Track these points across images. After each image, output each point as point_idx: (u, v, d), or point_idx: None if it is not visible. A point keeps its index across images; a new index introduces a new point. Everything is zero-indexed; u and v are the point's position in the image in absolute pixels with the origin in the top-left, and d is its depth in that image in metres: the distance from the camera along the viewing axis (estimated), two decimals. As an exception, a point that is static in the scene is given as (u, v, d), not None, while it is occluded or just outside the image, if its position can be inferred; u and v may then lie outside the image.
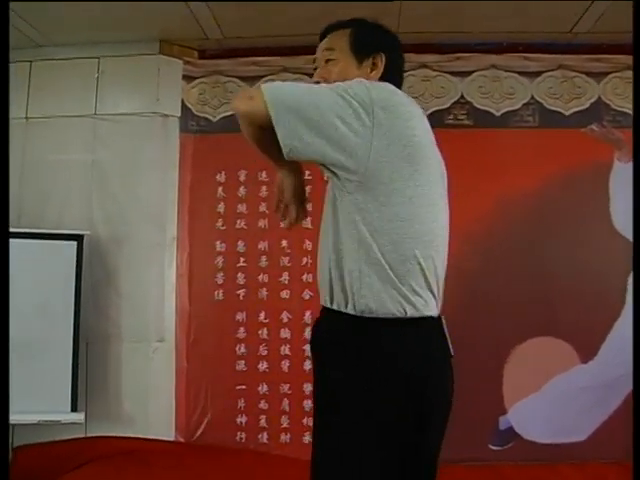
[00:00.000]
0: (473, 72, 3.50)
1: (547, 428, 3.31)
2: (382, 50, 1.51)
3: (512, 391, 3.33)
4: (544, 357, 3.35)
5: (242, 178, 3.48)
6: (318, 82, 1.50)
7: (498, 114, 3.50)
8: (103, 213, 3.39)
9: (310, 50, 3.50)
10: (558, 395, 3.31)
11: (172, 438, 3.30)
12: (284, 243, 3.40)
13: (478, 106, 3.49)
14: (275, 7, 3.03)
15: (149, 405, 3.30)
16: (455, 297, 3.20)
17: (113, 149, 3.45)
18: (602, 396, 3.35)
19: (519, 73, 3.50)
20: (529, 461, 3.21)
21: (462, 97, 3.49)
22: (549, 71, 3.53)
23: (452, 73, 3.49)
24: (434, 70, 3.48)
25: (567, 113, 3.53)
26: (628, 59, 3.51)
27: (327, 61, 1.53)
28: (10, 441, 3.01)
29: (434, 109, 3.46)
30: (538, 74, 3.52)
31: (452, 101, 3.49)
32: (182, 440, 3.30)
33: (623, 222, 3.49)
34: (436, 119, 3.39)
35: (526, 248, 3.41)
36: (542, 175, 3.43)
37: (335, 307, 1.40)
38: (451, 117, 3.48)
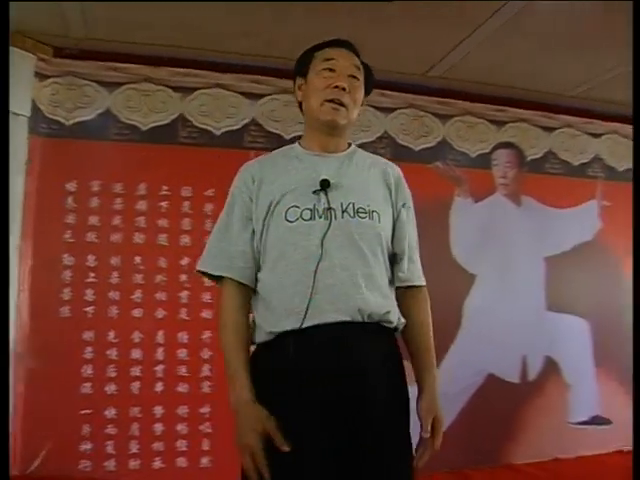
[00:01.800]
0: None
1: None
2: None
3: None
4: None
5: (95, 189, 3.47)
6: (344, 89, 1.63)
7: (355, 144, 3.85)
8: None
9: (177, 62, 3.65)
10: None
11: (4, 470, 3.17)
12: (137, 260, 3.44)
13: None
14: (150, 13, 3.11)
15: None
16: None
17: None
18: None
19: (375, 108, 3.91)
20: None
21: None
22: (401, 108, 3.98)
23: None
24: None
25: (416, 149, 4.00)
26: (472, 106, 4.11)
27: (351, 76, 1.66)
28: None
29: (295, 134, 3.73)
30: (392, 110, 3.96)
31: (312, 128, 3.78)
32: (16, 473, 3.13)
33: (460, 252, 4.03)
34: (296, 144, 3.69)
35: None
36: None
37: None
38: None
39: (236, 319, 1.58)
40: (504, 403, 3.93)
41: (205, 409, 3.42)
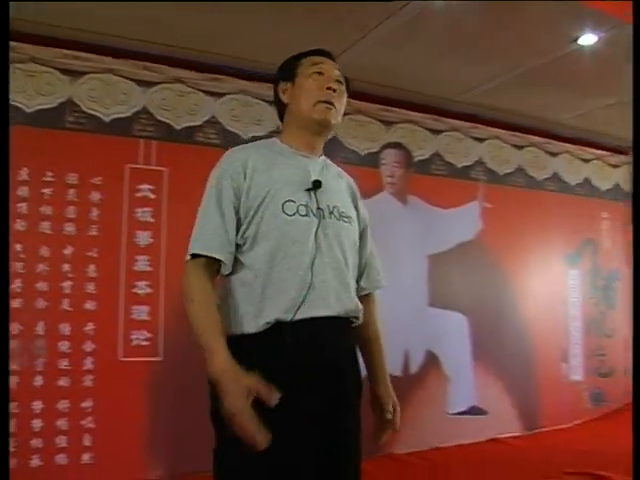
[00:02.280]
0: (225, 94, 3.88)
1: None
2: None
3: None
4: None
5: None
6: (334, 90, 1.70)
7: (246, 137, 3.91)
8: None
9: (66, 44, 3.53)
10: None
11: None
12: (18, 247, 3.31)
13: (228, 128, 3.88)
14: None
15: None
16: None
17: None
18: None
19: (268, 102, 3.96)
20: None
21: (213, 117, 3.83)
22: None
23: (206, 92, 3.82)
24: (189, 87, 3.77)
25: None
26: (363, 105, 4.26)
27: (337, 81, 1.74)
28: None
29: (185, 125, 3.75)
30: (285, 105, 4.04)
31: (204, 119, 3.81)
32: None
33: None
34: (186, 135, 3.72)
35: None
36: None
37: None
38: (201, 135, 3.79)
39: (209, 293, 1.60)
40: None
41: (87, 403, 3.37)
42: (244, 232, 1.62)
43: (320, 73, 1.72)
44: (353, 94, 4.18)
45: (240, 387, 1.41)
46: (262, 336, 1.56)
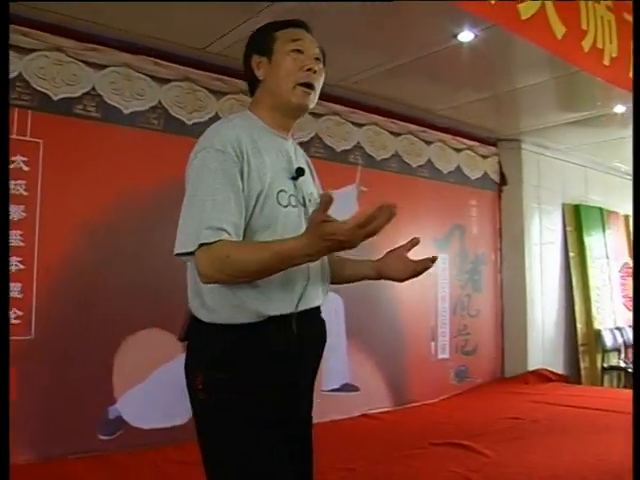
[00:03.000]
0: (107, 66, 3.82)
1: (153, 415, 3.82)
2: None
3: (122, 381, 3.74)
4: (152, 347, 3.85)
5: None
6: (315, 71, 1.64)
7: (127, 112, 3.89)
8: None
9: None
10: (163, 383, 3.84)
11: None
12: None
13: (108, 101, 3.82)
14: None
15: None
16: (70, 288, 3.53)
17: None
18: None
19: (151, 77, 3.97)
20: (138, 447, 3.66)
21: (93, 89, 3.77)
22: (177, 80, 4.09)
23: (86, 63, 3.74)
24: (69, 56, 3.68)
25: (189, 123, 4.13)
26: (245, 85, 4.31)
27: (316, 59, 1.67)
28: None
29: (63, 96, 3.67)
30: (167, 81, 4.05)
31: (83, 91, 3.72)
32: None
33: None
34: (64, 107, 3.64)
35: (140, 244, 3.87)
36: (163, 176, 3.93)
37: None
38: (80, 107, 3.72)
39: (231, 242, 1.44)
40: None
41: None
42: (246, 223, 1.52)
43: (299, 51, 1.64)
44: (237, 74, 4.28)
45: (345, 234, 1.34)
46: (266, 326, 1.54)
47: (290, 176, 1.62)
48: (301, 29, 1.70)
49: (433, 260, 1.72)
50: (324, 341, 1.74)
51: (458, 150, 6.06)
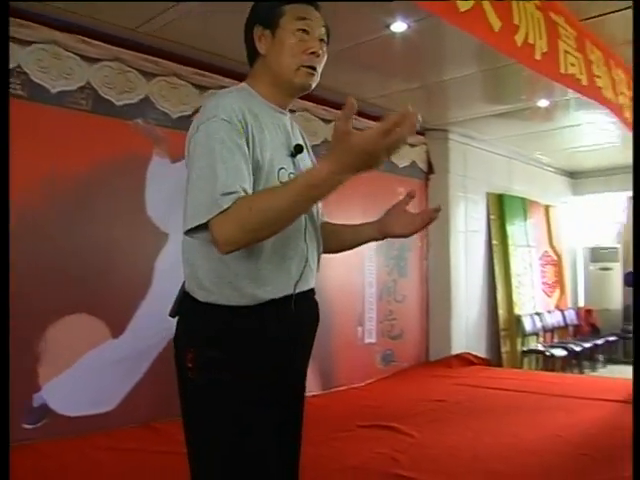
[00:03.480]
0: (34, 43, 3.72)
1: (80, 402, 3.78)
2: None
3: (47, 368, 3.69)
4: (78, 333, 3.81)
5: None
6: (317, 55, 1.59)
7: (54, 91, 3.81)
8: None
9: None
10: (90, 369, 3.81)
11: None
12: None
13: (34, 79, 3.73)
14: None
15: None
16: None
17: None
18: (131, 367, 4.02)
19: (80, 56, 3.89)
20: (64, 435, 3.62)
21: (19, 66, 3.67)
22: (107, 60, 4.03)
23: (12, 39, 3.60)
24: (-8, 32, 3.57)
25: (118, 104, 4.08)
26: (178, 67, 4.30)
27: (321, 40, 1.62)
28: None
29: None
30: (97, 61, 3.98)
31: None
32: None
33: (155, 211, 4.22)
34: (-12, 84, 3.53)
35: (69, 227, 3.82)
36: (90, 158, 3.90)
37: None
38: (4, 84, 3.62)
39: (252, 194, 1.41)
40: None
41: None
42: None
43: (306, 31, 1.59)
44: (168, 55, 4.25)
45: (371, 143, 1.36)
46: (262, 307, 1.53)
47: (288, 153, 1.60)
48: (311, 7, 1.65)
49: (437, 210, 1.72)
50: (317, 322, 1.77)
51: (387, 138, 6.13)
